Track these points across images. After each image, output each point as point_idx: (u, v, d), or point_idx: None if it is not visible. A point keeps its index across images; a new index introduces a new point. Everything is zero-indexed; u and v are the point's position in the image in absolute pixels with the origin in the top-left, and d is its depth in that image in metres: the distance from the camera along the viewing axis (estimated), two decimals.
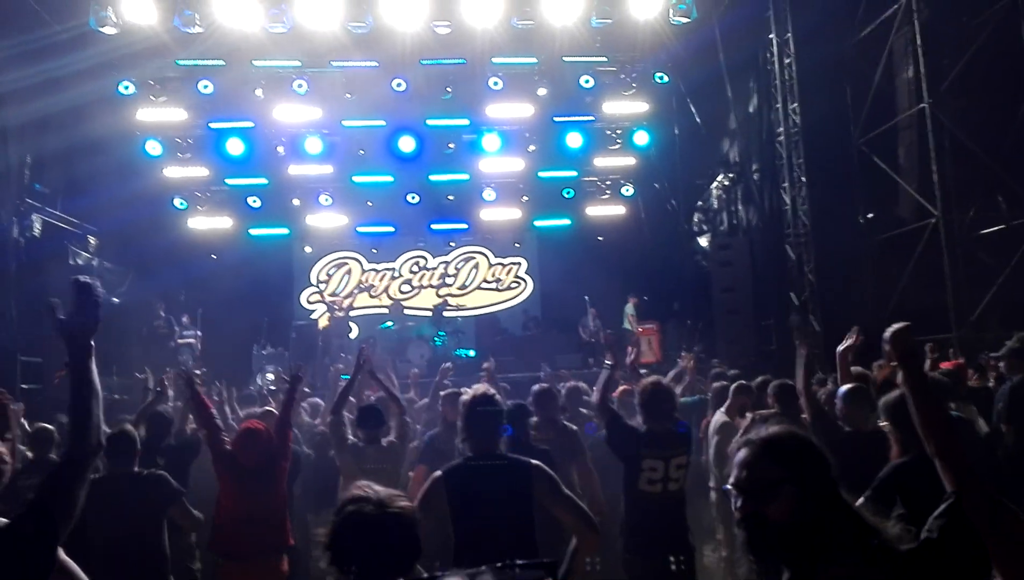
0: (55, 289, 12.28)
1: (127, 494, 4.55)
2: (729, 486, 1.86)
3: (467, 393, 3.93)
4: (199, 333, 14.00)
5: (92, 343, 2.40)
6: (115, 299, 14.20)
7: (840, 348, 5.39)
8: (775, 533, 1.77)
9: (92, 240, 14.90)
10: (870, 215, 12.92)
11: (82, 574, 2.54)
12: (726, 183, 15.85)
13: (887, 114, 12.08)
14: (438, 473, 3.70)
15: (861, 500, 3.43)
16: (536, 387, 5.73)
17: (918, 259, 11.32)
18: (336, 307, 15.46)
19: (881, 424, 3.83)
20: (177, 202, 15.65)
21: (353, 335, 15.02)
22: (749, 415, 5.80)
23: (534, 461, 3.77)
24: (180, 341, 13.74)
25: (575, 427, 5.65)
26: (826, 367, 7.04)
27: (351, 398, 5.99)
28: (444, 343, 14.75)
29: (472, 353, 14.97)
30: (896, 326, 2.27)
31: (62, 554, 2.49)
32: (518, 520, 3.57)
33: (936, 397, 2.23)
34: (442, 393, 6.36)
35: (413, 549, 2.12)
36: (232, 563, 4.70)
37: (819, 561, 1.75)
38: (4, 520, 2.30)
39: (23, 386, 11.44)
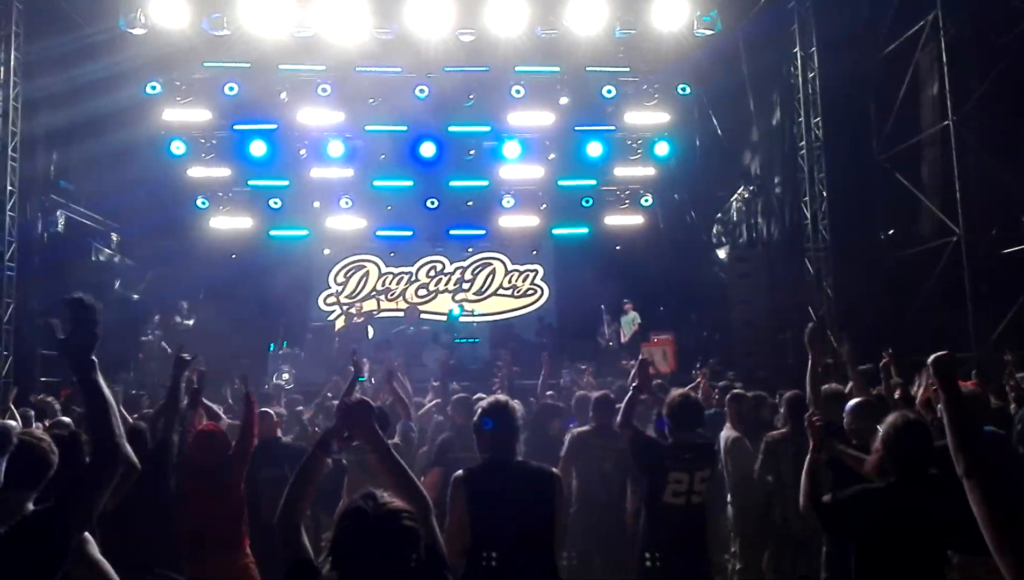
0: (77, 285, 12.46)
1: None
2: None
3: (483, 400, 3.95)
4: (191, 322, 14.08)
5: (94, 358, 2.42)
6: (135, 296, 14.38)
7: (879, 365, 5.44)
8: None
9: (115, 237, 15.10)
10: (891, 231, 12.84)
11: (112, 573, 2.59)
12: (746, 195, 15.81)
13: (911, 130, 12.00)
14: (459, 473, 3.70)
15: (827, 498, 3.44)
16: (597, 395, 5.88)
17: (938, 277, 11.24)
18: (355, 313, 15.54)
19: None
20: (199, 202, 15.80)
21: (371, 336, 15.08)
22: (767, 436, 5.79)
23: (555, 469, 3.80)
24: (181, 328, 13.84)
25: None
26: (842, 381, 7.00)
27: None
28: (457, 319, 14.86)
29: (476, 340, 15.00)
30: (939, 354, 2.46)
31: (94, 551, 2.55)
32: (537, 526, 3.59)
33: (971, 421, 2.35)
34: (453, 398, 6.41)
35: (413, 560, 2.10)
36: (192, 562, 4.83)
37: None
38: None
39: (43, 379, 11.60)
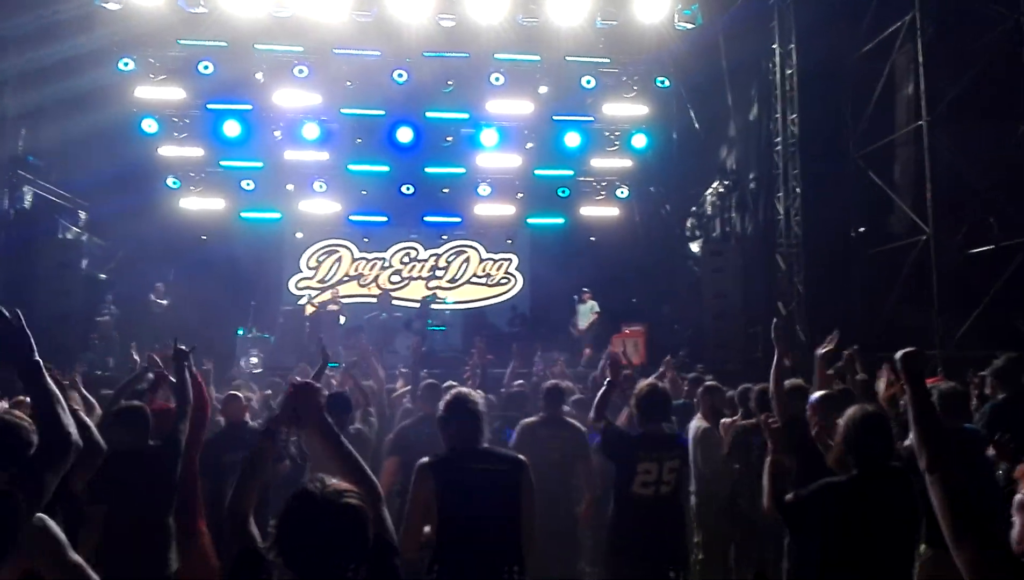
0: (43, 263, 12.24)
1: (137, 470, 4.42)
2: None
3: (452, 390, 3.97)
4: (165, 302, 13.89)
5: (37, 359, 2.49)
6: (102, 275, 14.14)
7: (819, 351, 5.43)
8: None
9: (83, 215, 14.83)
10: (862, 229, 12.97)
11: (70, 552, 2.54)
12: (721, 190, 15.88)
13: (885, 129, 12.11)
14: (425, 460, 3.68)
15: (789, 497, 3.46)
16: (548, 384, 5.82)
17: (907, 275, 11.38)
18: (331, 298, 15.39)
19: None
20: (170, 181, 15.56)
21: (342, 321, 14.96)
22: (727, 420, 5.83)
23: (522, 456, 3.84)
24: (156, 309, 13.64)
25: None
26: (809, 376, 7.06)
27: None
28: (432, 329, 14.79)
29: (443, 328, 15.06)
30: (906, 350, 2.49)
31: (54, 528, 2.52)
32: (506, 514, 3.59)
33: (935, 417, 2.37)
34: (422, 384, 6.35)
35: (360, 543, 2.09)
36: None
37: None
38: None
39: None
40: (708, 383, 6.57)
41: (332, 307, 14.88)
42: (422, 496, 3.57)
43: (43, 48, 12.02)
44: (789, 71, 13.49)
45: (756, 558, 5.39)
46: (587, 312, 14.84)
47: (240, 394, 6.31)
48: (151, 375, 6.16)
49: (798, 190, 13.34)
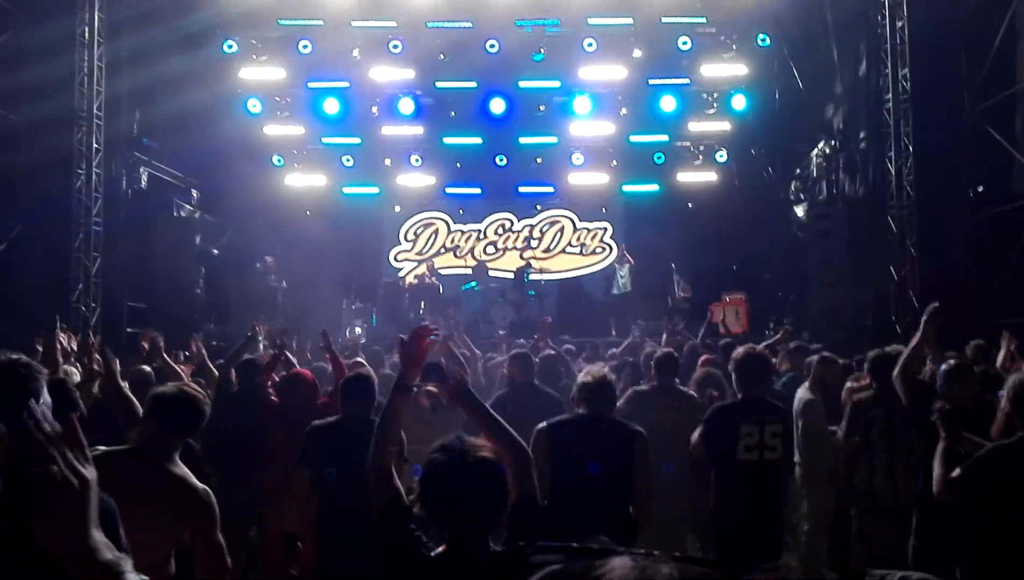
0: (161, 240, 12.93)
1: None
2: None
3: (583, 375, 4.18)
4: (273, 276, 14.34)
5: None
6: (215, 250, 14.82)
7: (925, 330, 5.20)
8: None
9: (195, 193, 15.56)
10: (980, 189, 12.21)
11: (219, 532, 2.96)
12: (827, 151, 15.23)
13: (1005, 82, 11.32)
14: (543, 425, 3.83)
15: (956, 472, 3.34)
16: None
17: None
18: (427, 272, 15.66)
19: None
20: (275, 159, 16.11)
21: (441, 292, 15.22)
22: (853, 385, 5.66)
23: (638, 427, 3.94)
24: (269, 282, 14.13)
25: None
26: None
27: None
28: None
29: (475, 285, 15.20)
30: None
31: (215, 505, 2.99)
32: (616, 481, 3.67)
33: None
34: (511, 353, 6.43)
35: (499, 497, 2.16)
36: (272, 511, 5.01)
37: None
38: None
39: (128, 330, 12.12)
40: (824, 354, 6.35)
41: (430, 280, 15.12)
42: (537, 458, 3.67)
43: (152, 31, 12.58)
44: (900, 23, 12.73)
45: (880, 537, 5.20)
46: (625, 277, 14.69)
47: (364, 362, 6.56)
48: (268, 350, 6.53)
49: (911, 149, 12.65)
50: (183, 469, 3.13)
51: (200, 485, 3.12)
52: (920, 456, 4.57)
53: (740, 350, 4.84)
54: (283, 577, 4.24)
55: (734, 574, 1.07)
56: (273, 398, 5.45)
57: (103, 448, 3.07)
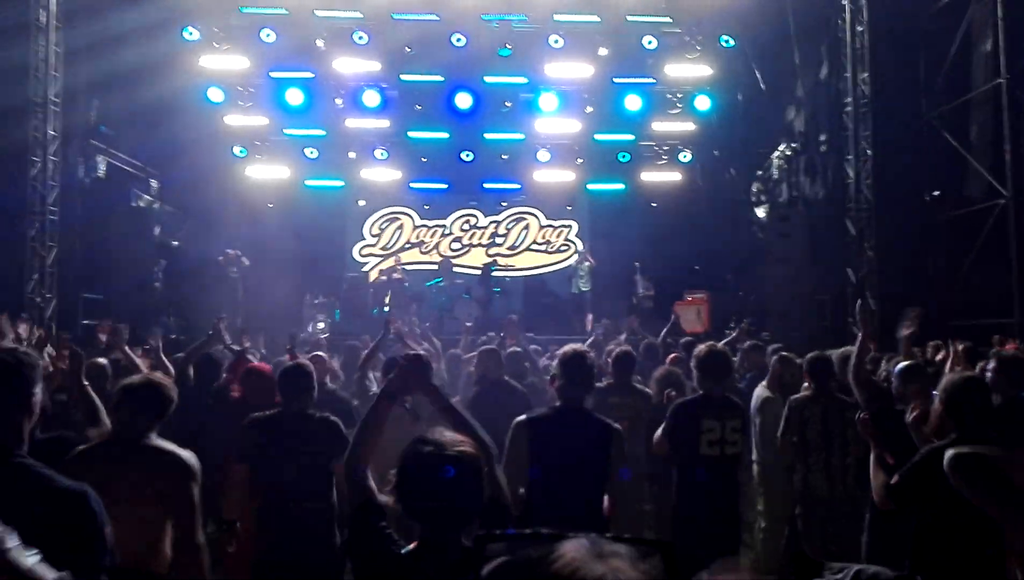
0: (119, 231, 12.67)
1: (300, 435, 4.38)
2: None
3: (564, 348, 4.14)
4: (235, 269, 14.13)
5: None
6: (175, 242, 14.57)
7: (904, 333, 5.37)
8: None
9: (154, 184, 15.26)
10: (936, 193, 12.50)
11: None
12: (788, 153, 15.45)
13: (961, 88, 11.60)
14: (521, 418, 3.86)
15: (894, 479, 3.41)
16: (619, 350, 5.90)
17: (984, 241, 10.95)
18: (395, 264, 15.56)
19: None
20: (236, 150, 15.87)
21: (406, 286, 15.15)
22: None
23: (615, 424, 3.95)
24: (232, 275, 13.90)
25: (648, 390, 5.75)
26: (882, 347, 6.88)
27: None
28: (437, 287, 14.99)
29: (440, 281, 15.21)
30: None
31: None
32: (593, 477, 3.72)
33: None
34: (480, 349, 6.44)
35: (476, 491, 2.16)
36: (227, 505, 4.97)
37: None
38: None
39: (84, 322, 11.87)
40: (783, 354, 6.44)
41: (396, 275, 15.04)
42: (516, 451, 3.70)
43: (111, 19, 12.30)
44: (860, 28, 12.97)
45: (822, 533, 5.29)
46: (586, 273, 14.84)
47: (324, 355, 6.51)
48: (235, 347, 6.48)
49: (869, 152, 12.90)
50: (163, 442, 3.36)
51: (184, 451, 3.37)
52: (861, 455, 4.68)
53: (702, 347, 4.93)
54: (221, 556, 4.26)
55: (673, 555, 1.13)
56: (234, 394, 5.40)
57: (81, 447, 3.33)
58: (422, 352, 7.04)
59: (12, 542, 1.24)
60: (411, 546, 2.18)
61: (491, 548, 1.22)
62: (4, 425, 2.07)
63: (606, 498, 3.85)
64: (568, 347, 4.11)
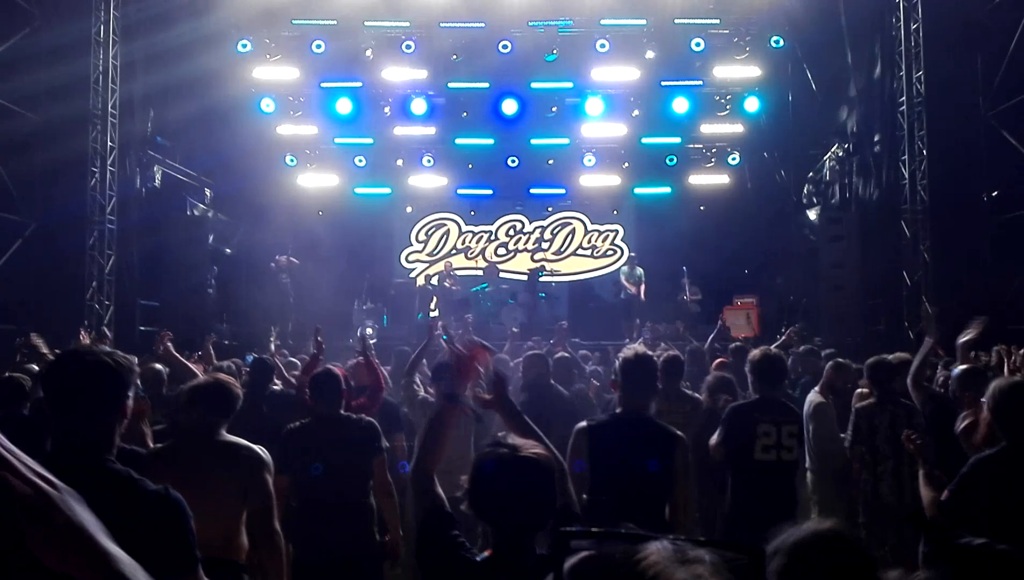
0: (174, 239, 12.99)
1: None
2: None
3: (626, 351, 3.92)
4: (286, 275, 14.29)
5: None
6: (228, 250, 14.88)
7: (962, 340, 5.22)
8: None
9: (208, 193, 15.62)
10: (995, 193, 12.11)
11: None
12: (840, 154, 15.13)
13: (1021, 85, 11.22)
14: (582, 424, 3.76)
15: (945, 494, 3.28)
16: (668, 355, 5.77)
17: None
18: (446, 271, 15.62)
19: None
20: (287, 159, 16.17)
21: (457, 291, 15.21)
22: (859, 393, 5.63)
23: (679, 432, 3.81)
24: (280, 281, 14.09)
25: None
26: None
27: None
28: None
29: (485, 286, 15.17)
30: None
31: None
32: (655, 486, 3.60)
33: None
34: (526, 354, 6.41)
35: (548, 496, 2.14)
36: None
37: None
38: None
39: (141, 328, 12.18)
40: (838, 360, 6.32)
41: (448, 282, 15.08)
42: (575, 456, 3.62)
43: (167, 31, 12.65)
44: (914, 25, 12.66)
45: (886, 542, 5.18)
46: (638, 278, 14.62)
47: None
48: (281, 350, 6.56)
49: (925, 152, 12.57)
50: (233, 438, 3.57)
51: (255, 446, 3.56)
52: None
53: (756, 351, 4.85)
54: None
55: (761, 560, 1.10)
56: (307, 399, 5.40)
57: (155, 447, 3.71)
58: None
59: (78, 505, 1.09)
60: (485, 554, 2.16)
61: (575, 543, 1.21)
62: (97, 429, 2.07)
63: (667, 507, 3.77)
64: (629, 349, 3.91)
